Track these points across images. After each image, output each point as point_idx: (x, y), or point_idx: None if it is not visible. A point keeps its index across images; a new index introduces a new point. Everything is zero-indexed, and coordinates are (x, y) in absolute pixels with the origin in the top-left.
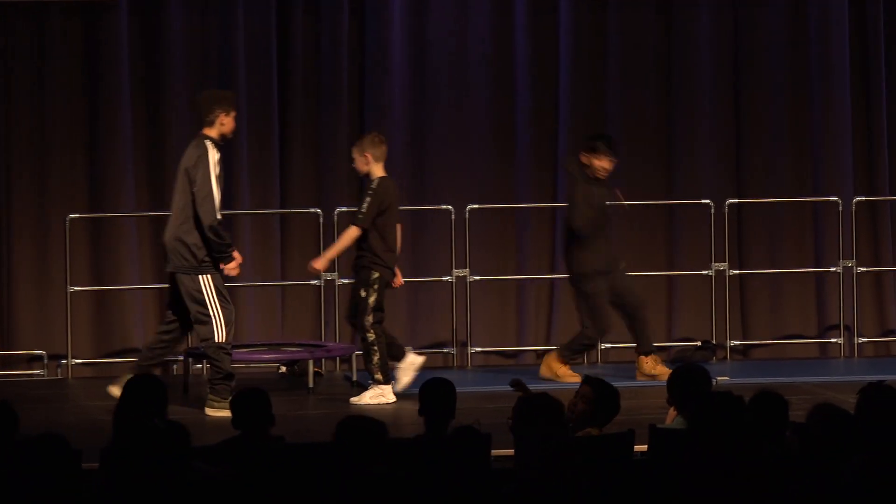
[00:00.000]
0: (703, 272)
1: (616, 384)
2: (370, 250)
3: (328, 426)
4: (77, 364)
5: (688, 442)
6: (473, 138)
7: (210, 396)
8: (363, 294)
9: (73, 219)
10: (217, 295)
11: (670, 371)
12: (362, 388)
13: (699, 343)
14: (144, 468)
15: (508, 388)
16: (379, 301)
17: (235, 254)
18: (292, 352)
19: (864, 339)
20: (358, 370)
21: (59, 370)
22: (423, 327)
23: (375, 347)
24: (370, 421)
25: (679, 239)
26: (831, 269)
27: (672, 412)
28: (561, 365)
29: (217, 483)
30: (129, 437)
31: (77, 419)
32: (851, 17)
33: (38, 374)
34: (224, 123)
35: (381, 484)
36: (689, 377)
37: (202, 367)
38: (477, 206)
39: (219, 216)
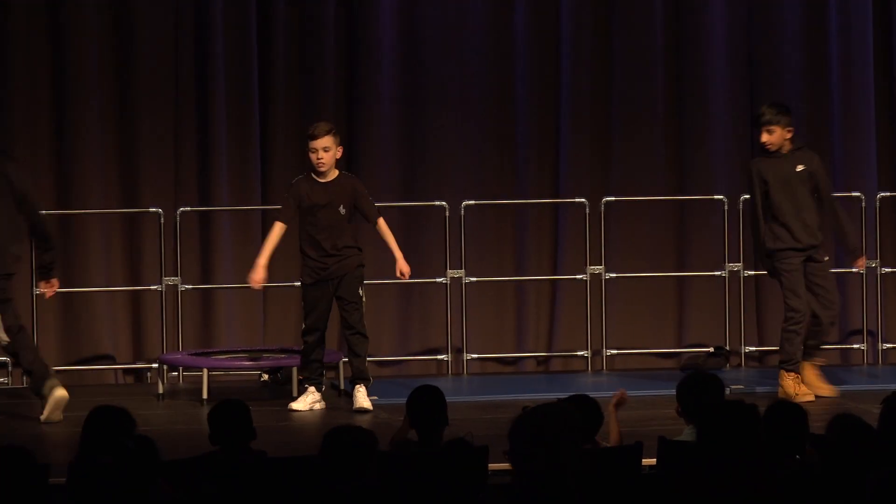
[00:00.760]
0: (716, 273)
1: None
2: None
3: (314, 438)
4: None
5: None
6: (469, 130)
7: None
8: (361, 293)
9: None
10: None
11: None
12: (349, 396)
13: (711, 349)
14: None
15: (494, 397)
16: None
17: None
18: (275, 359)
19: (888, 345)
20: (345, 378)
21: (24, 378)
22: (415, 332)
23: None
24: (359, 431)
25: (690, 237)
26: (853, 270)
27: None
28: (805, 378)
29: None
30: (98, 455)
31: (44, 431)
32: (875, 4)
33: (2, 383)
34: None
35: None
36: (699, 386)
37: (178, 374)
38: (473, 202)
39: None
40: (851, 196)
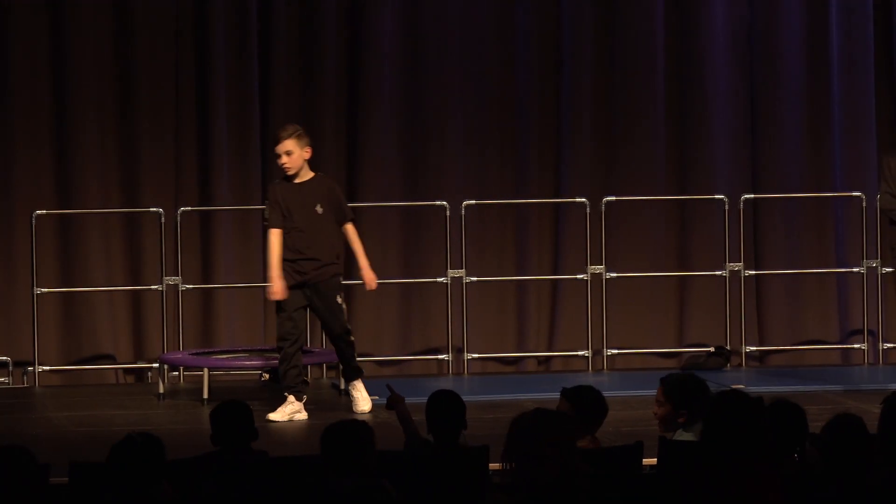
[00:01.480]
0: (717, 273)
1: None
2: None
3: (315, 438)
4: (44, 371)
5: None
6: (470, 130)
7: None
8: (339, 300)
9: (39, 215)
10: None
11: None
12: (349, 397)
13: (712, 349)
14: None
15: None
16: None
17: None
18: (276, 358)
19: (889, 345)
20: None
21: (24, 378)
22: (415, 332)
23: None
24: (358, 425)
25: (691, 237)
26: (854, 270)
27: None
28: None
29: None
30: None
31: (44, 431)
32: (875, 5)
33: (2, 382)
34: None
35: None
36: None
37: (179, 374)
38: (474, 201)
39: None
40: (852, 196)
